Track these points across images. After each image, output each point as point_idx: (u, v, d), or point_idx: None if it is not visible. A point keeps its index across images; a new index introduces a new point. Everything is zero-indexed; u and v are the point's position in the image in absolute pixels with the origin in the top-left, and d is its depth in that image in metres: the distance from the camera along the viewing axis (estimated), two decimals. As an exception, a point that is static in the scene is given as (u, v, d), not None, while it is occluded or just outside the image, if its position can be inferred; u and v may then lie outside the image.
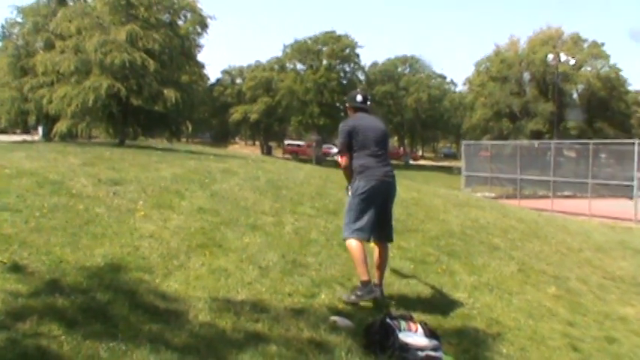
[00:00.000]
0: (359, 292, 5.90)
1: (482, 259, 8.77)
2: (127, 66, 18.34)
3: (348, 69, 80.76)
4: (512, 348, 5.69)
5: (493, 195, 31.13)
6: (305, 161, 43.80)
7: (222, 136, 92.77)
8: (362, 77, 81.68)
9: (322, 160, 59.45)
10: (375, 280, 6.19)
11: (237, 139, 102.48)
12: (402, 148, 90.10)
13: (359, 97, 6.50)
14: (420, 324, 5.01)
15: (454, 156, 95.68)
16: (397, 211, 10.57)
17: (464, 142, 38.20)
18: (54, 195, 7.79)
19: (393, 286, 6.70)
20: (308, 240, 7.71)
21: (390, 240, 6.49)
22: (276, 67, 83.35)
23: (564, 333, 6.47)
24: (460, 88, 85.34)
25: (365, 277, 5.93)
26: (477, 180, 34.10)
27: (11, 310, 4.26)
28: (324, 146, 71.21)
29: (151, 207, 7.87)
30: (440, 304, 6.45)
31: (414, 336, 4.84)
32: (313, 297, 5.76)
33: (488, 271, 8.25)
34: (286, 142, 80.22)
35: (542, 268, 9.20)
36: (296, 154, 68.24)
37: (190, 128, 22.15)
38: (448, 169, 67.78)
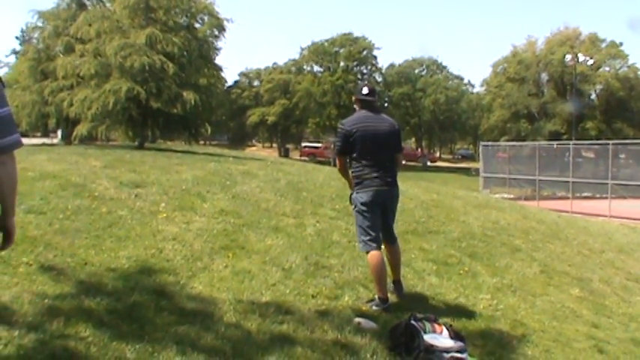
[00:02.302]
0: (375, 307, 5.79)
1: (505, 261, 8.72)
2: (147, 69, 18.44)
3: (365, 71, 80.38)
4: (537, 350, 5.63)
5: (511, 196, 30.98)
6: (322, 163, 43.75)
7: (240, 138, 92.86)
8: (379, 79, 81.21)
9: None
10: (391, 275, 6.25)
11: (254, 141, 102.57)
12: (419, 150, 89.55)
13: (365, 90, 6.33)
14: (445, 326, 4.99)
15: (471, 157, 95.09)
16: (418, 213, 10.69)
17: (482, 144, 37.98)
18: (77, 197, 7.83)
19: (417, 287, 6.68)
20: (330, 242, 7.71)
21: (394, 241, 6.44)
22: (293, 69, 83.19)
23: (589, 335, 6.40)
24: (477, 89, 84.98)
25: (382, 295, 5.87)
26: (495, 181, 33.93)
27: (39, 312, 4.28)
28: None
29: (173, 209, 7.90)
30: (463, 305, 6.40)
31: (439, 338, 4.81)
32: (337, 299, 5.75)
33: (511, 272, 8.21)
34: (303, 143, 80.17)
35: (564, 270, 9.13)
36: (313, 156, 68.06)
37: (209, 130, 22.20)
38: (466, 171, 67.42)
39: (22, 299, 4.45)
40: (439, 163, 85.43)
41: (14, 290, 4.62)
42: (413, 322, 4.90)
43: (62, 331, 4.02)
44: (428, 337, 4.77)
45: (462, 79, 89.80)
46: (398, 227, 8.11)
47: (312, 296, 5.66)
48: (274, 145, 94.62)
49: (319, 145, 75.81)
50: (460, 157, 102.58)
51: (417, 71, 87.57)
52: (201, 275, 5.64)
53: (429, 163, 78.98)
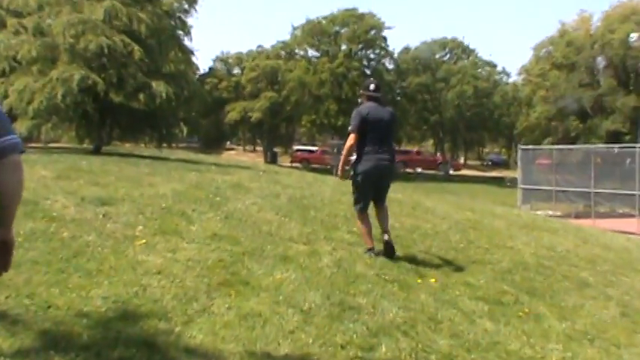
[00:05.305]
0: (371, 256, 8.57)
1: (572, 300, 8.63)
2: (105, 52, 18.26)
3: (373, 56, 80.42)
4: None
5: (558, 213, 30.85)
6: (319, 171, 43.75)
7: (215, 139, 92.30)
8: (390, 66, 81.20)
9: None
10: (385, 236, 8.84)
11: (232, 144, 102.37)
12: (439, 155, 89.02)
13: (372, 86, 9.20)
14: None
15: (505, 164, 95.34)
16: (454, 237, 10.70)
17: (520, 147, 37.73)
18: (28, 219, 7.69)
19: (468, 335, 6.55)
20: (354, 275, 7.61)
21: (384, 202, 9.16)
22: (283, 53, 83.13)
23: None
24: (514, 78, 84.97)
25: (369, 245, 8.77)
26: (538, 195, 33.72)
27: (-5, 376, 4.15)
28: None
29: (154, 233, 7.81)
30: (531, 359, 6.28)
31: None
32: (372, 350, 5.63)
33: (583, 315, 8.10)
34: (295, 147, 79.88)
35: (650, 312, 9.02)
36: (307, 162, 68.11)
37: (185, 131, 21.97)
38: (498, 181, 67.40)
39: (-30, 359, 4.31)
40: (464, 172, 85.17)
41: (-41, 346, 4.48)
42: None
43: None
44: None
45: (494, 65, 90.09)
46: (433, 252, 9.70)
47: (342, 346, 5.53)
48: (258, 148, 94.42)
49: (315, 148, 75.65)
50: (490, 163, 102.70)
51: (437, 56, 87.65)
52: (199, 320, 5.50)
53: (451, 172, 78.52)
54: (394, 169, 9.38)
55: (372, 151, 8.78)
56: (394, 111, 9.57)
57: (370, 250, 8.69)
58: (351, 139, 8.83)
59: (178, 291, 6.05)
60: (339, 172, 9.61)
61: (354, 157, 9.14)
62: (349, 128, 8.96)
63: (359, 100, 9.38)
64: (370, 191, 8.96)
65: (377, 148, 8.80)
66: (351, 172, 8.99)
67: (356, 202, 9.02)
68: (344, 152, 9.07)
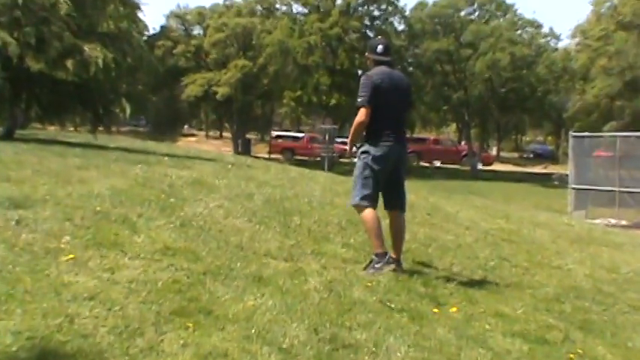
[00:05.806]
0: (377, 265, 8.67)
1: (641, 338, 8.62)
2: (19, 3, 18.15)
3: (377, 13, 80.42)
4: None
5: (623, 222, 30.77)
6: (306, 164, 43.75)
7: (168, 122, 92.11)
8: (400, 27, 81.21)
9: (336, 162, 59.40)
10: (392, 254, 8.97)
11: (189, 128, 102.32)
12: (464, 144, 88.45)
13: (380, 48, 9.26)
14: None
15: (552, 157, 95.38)
16: (482, 253, 10.78)
17: (572, 134, 37.57)
18: None
19: (503, 380, 6.56)
20: (350, 301, 7.60)
21: (403, 210, 9.38)
22: (259, 9, 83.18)
23: None
24: (566, 42, 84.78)
25: (380, 250, 8.75)
26: (595, 197, 33.50)
27: None
28: (339, 140, 70.24)
29: (85, 246, 7.75)
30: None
31: None
32: (374, 401, 5.64)
33: (656, 359, 8.10)
34: (275, 133, 79.91)
35: None
36: (291, 153, 68.24)
37: (128, 110, 21.91)
38: (543, 178, 67.49)
39: None
40: (497, 166, 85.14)
41: None
42: None
43: None
44: None
45: (539, 26, 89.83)
46: (454, 272, 9.75)
47: (334, 398, 5.54)
48: (226, 134, 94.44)
49: (300, 135, 75.72)
50: (532, 155, 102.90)
51: (463, 14, 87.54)
52: (145, 362, 5.48)
53: (480, 166, 78.10)
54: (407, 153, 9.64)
55: (389, 131, 8.92)
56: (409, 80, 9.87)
57: (380, 255, 8.68)
58: (362, 115, 8.87)
59: (117, 322, 6.00)
60: (347, 149, 9.73)
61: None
62: (358, 100, 8.92)
63: (360, 72, 9.21)
64: (382, 184, 9.03)
65: (394, 126, 9.01)
66: (361, 157, 9.04)
67: (365, 188, 8.92)
68: (352, 131, 9.17)
